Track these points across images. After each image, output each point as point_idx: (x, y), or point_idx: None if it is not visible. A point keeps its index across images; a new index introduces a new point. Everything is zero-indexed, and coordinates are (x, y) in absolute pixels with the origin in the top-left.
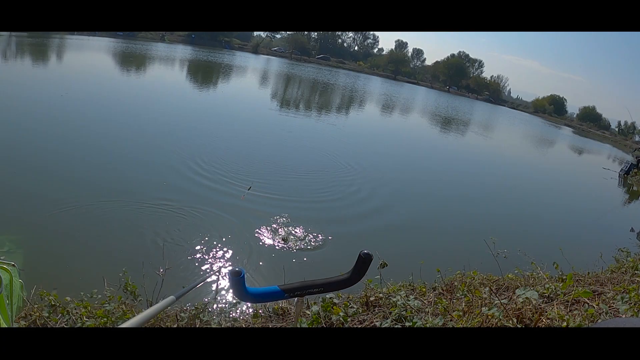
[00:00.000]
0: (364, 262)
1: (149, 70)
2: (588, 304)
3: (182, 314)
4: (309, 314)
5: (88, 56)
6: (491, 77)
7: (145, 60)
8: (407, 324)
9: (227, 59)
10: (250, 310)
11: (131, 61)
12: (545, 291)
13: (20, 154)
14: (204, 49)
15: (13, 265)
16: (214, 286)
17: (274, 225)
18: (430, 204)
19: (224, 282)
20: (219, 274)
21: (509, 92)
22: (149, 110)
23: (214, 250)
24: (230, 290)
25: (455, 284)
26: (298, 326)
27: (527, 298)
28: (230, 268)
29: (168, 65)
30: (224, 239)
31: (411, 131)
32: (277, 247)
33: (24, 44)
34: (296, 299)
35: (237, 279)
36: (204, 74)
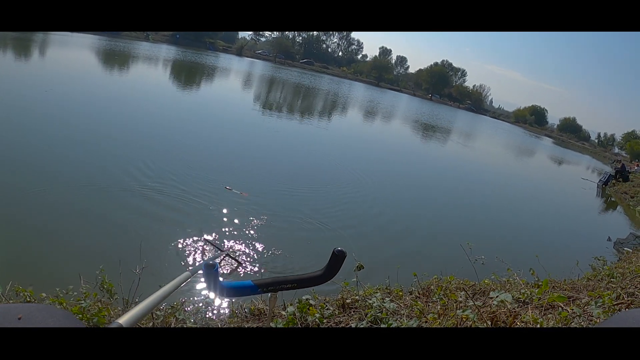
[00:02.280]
0: (337, 259)
1: (133, 69)
2: (562, 307)
3: (158, 312)
4: (284, 315)
5: (72, 53)
6: (473, 86)
7: (129, 59)
8: (383, 326)
9: (211, 61)
10: (227, 310)
11: (115, 59)
12: (520, 296)
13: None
14: (188, 49)
15: None
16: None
17: (253, 220)
18: (409, 209)
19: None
20: (228, 255)
21: (491, 101)
22: (136, 109)
23: (193, 248)
24: (204, 284)
25: (432, 287)
26: (272, 324)
27: (502, 301)
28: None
29: (152, 65)
30: (202, 235)
31: (392, 137)
32: (253, 243)
33: (6, 39)
34: (270, 294)
35: (211, 272)
36: (188, 74)
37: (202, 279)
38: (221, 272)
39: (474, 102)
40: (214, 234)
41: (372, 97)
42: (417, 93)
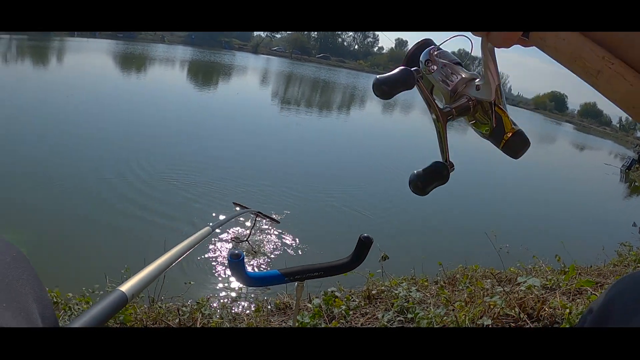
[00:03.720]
0: (364, 246)
1: (151, 71)
2: (590, 292)
3: (184, 309)
4: (310, 307)
5: (89, 58)
6: None
7: (146, 62)
8: (409, 316)
9: (227, 60)
10: (252, 305)
11: (132, 62)
12: (547, 282)
13: (23, 152)
14: (203, 49)
15: None
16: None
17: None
18: (432, 199)
19: (262, 223)
20: (259, 213)
21: (510, 89)
22: (156, 111)
23: (219, 246)
24: (230, 274)
25: (457, 276)
26: (299, 317)
27: (529, 287)
28: (230, 250)
29: (169, 66)
30: (230, 237)
31: (411, 129)
32: (276, 237)
33: (24, 47)
34: (296, 283)
35: (237, 262)
36: (205, 74)
37: (229, 271)
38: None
39: None
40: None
41: None
42: None
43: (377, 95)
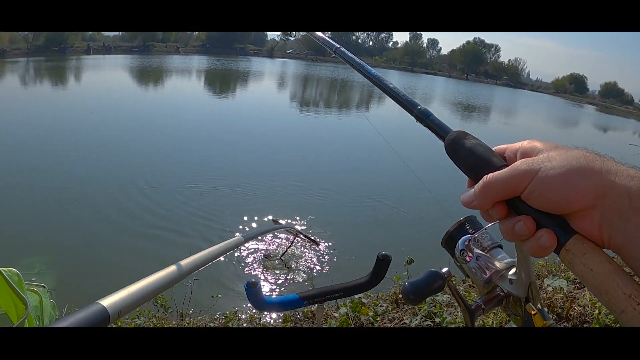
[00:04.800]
0: (382, 264)
1: (169, 83)
2: None
3: (212, 324)
4: (337, 317)
5: (107, 74)
6: (509, 61)
7: (163, 74)
8: (437, 320)
9: (244, 66)
10: (280, 315)
11: (150, 76)
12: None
13: (50, 174)
14: (219, 57)
15: (43, 286)
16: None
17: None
18: (456, 202)
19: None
20: (299, 233)
21: (528, 74)
22: (177, 122)
23: (246, 262)
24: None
25: None
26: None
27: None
28: (247, 278)
29: (186, 77)
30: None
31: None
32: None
33: (41, 68)
34: (316, 305)
35: (254, 290)
36: (222, 82)
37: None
38: (298, 253)
39: (511, 77)
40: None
41: (408, 83)
42: (452, 74)
43: (406, 302)
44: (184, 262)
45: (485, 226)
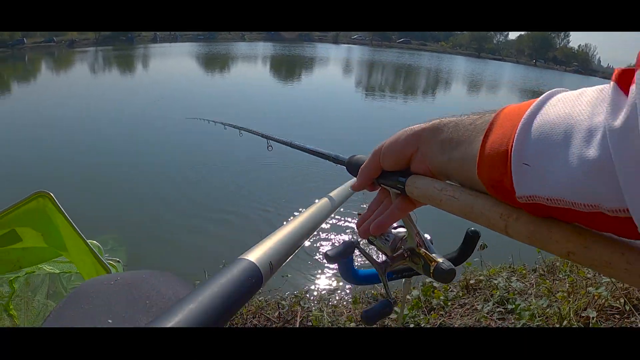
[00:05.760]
0: (471, 240)
1: (236, 69)
2: None
3: (283, 302)
4: (409, 299)
5: (175, 61)
6: (579, 46)
7: (229, 60)
8: (510, 307)
9: (309, 52)
10: (349, 296)
11: (216, 62)
12: None
13: (124, 156)
14: (285, 44)
15: (118, 261)
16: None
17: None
18: None
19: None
20: None
21: (599, 60)
22: (247, 104)
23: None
24: (337, 271)
25: (557, 264)
26: (397, 309)
27: None
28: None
29: (253, 63)
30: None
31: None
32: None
33: (110, 57)
34: (403, 280)
35: (346, 260)
36: (288, 67)
37: (334, 266)
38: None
39: (581, 63)
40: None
41: (474, 69)
42: (520, 60)
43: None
44: (314, 208)
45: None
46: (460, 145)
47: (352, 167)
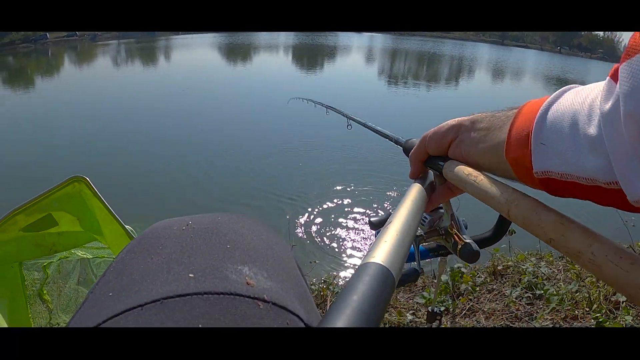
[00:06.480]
0: (502, 224)
1: (258, 59)
2: None
3: (312, 287)
4: (443, 278)
5: (197, 53)
6: (604, 33)
7: (251, 50)
8: (538, 292)
9: (331, 41)
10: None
11: (238, 53)
12: None
13: (153, 143)
14: (306, 33)
15: None
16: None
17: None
18: None
19: None
20: None
21: (625, 47)
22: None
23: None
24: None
25: None
26: (425, 294)
27: None
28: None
29: (274, 52)
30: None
31: (527, 98)
32: None
33: (132, 50)
34: (439, 258)
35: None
36: (310, 57)
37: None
38: None
39: (607, 50)
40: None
41: (498, 56)
42: (544, 47)
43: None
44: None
45: None
46: (491, 133)
47: (407, 149)
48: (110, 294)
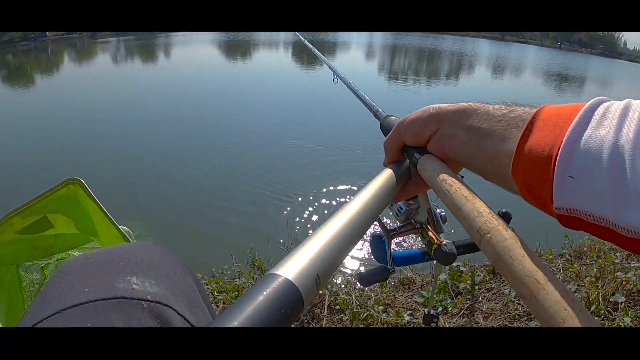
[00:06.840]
0: (503, 221)
1: (258, 56)
2: None
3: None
4: (440, 279)
5: (197, 50)
6: None
7: (250, 47)
8: None
9: (331, 37)
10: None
11: (238, 49)
12: None
13: (151, 141)
14: (306, 30)
15: None
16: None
17: None
18: None
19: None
20: None
21: (625, 43)
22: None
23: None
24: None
25: (584, 249)
26: (424, 292)
27: None
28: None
29: (274, 49)
30: None
31: (526, 91)
32: None
33: (132, 47)
34: (435, 261)
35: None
36: (309, 54)
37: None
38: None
39: (607, 46)
40: None
41: (498, 52)
42: (544, 43)
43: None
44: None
45: None
46: (490, 137)
47: (384, 128)
48: (29, 315)
